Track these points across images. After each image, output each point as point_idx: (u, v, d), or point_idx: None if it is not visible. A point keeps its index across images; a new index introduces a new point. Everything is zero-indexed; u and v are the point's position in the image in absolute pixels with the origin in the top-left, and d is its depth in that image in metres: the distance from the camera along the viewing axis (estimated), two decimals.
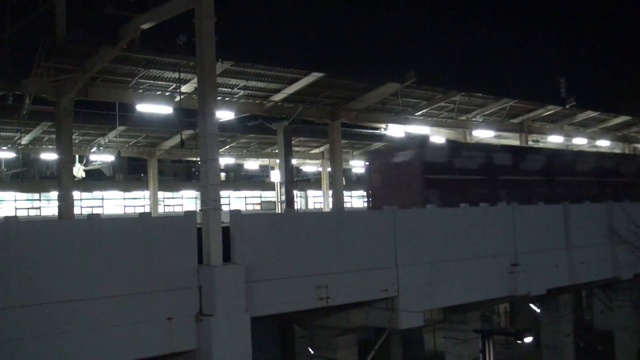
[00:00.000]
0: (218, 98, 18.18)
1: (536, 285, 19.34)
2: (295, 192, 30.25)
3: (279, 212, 35.68)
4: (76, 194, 33.92)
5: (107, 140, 33.59)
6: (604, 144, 42.40)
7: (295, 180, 32.25)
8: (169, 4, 14.49)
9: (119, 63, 20.41)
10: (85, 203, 41.85)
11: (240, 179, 59.18)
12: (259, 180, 55.48)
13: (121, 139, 33.55)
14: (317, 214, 15.94)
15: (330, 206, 37.90)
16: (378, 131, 34.04)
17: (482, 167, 21.37)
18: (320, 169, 45.10)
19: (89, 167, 35.46)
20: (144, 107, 23.96)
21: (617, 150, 42.96)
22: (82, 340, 10.71)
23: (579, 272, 21.20)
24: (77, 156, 33.74)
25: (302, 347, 20.93)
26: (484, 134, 35.01)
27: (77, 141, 32.25)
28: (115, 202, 44.06)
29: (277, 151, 31.01)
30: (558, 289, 20.96)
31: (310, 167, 50.16)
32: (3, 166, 38.95)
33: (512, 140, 37.49)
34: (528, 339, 19.92)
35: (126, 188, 45.56)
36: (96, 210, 40.60)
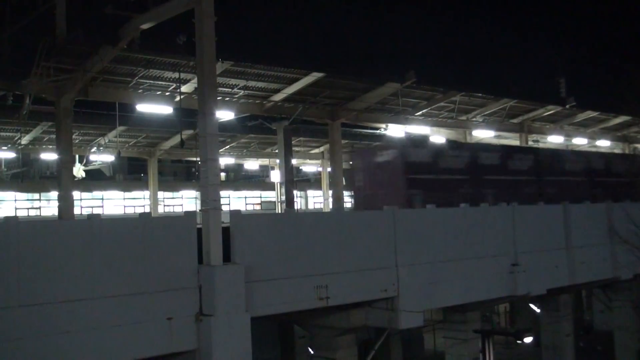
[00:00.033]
0: (218, 98, 18.17)
1: (536, 285, 19.35)
2: (295, 192, 30.26)
3: (279, 212, 35.68)
4: (76, 194, 33.93)
5: (107, 140, 33.59)
6: (604, 144, 42.40)
7: (295, 180, 32.25)
8: (169, 4, 14.49)
9: (119, 63, 20.41)
10: (85, 203, 41.86)
11: (240, 179, 59.19)
12: (259, 180, 55.49)
13: (121, 139, 33.54)
14: (317, 214, 15.96)
15: (330, 206, 37.90)
16: (378, 131, 34.04)
17: (467, 166, 21.03)
18: (320, 169, 45.11)
19: (89, 167, 35.46)
20: (144, 107, 23.95)
21: (617, 150, 42.95)
22: (82, 340, 10.71)
23: (578, 272, 21.20)
24: (77, 156, 33.73)
25: (302, 347, 20.95)
26: (484, 134, 35.02)
27: (77, 141, 32.25)
28: (115, 202, 44.07)
29: (277, 151, 31.01)
30: (558, 289, 20.97)
31: (310, 167, 50.16)
32: (3, 166, 38.93)
33: (512, 140, 37.50)
34: (528, 339, 19.93)
35: (126, 188, 45.57)
36: (96, 211, 40.60)
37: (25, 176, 40.73)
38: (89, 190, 42.32)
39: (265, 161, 46.39)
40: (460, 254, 17.43)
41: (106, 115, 29.69)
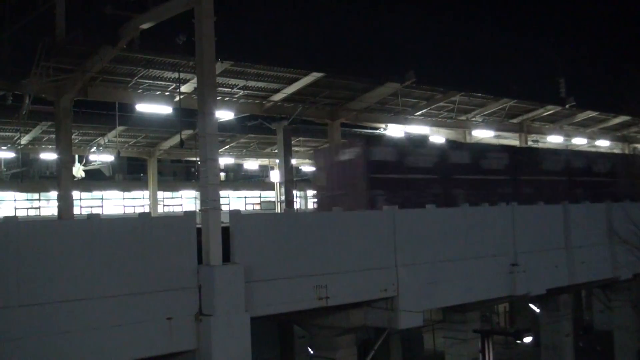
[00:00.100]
0: (218, 98, 18.16)
1: (536, 285, 19.35)
2: (295, 192, 30.24)
3: (279, 212, 35.68)
4: (76, 194, 33.93)
5: (106, 140, 33.60)
6: (603, 144, 42.44)
7: (295, 180, 32.24)
8: (169, 4, 14.49)
9: (119, 63, 20.41)
10: (85, 203, 41.89)
11: (239, 179, 59.23)
12: (258, 180, 55.51)
13: (121, 139, 33.55)
14: (317, 214, 15.92)
15: None
16: (378, 131, 34.06)
17: (436, 165, 20.00)
18: None
19: (89, 167, 35.45)
20: (144, 107, 23.96)
21: (617, 150, 42.98)
22: (82, 340, 10.71)
23: (578, 272, 21.20)
24: (76, 156, 33.73)
25: (301, 347, 20.95)
26: (483, 134, 35.04)
27: (76, 141, 32.25)
28: (114, 202, 44.10)
29: (276, 151, 31.01)
30: (557, 289, 20.96)
31: (310, 167, 50.18)
32: (3, 166, 38.93)
33: (511, 140, 37.53)
34: (527, 339, 19.94)
35: (126, 188, 45.61)
36: (96, 210, 40.63)
37: (24, 176, 40.76)
38: (89, 190, 42.35)
39: (265, 161, 46.40)
40: (460, 254, 17.43)
41: (106, 115, 29.71)
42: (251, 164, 49.88)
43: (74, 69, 19.33)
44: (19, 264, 10.29)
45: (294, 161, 34.82)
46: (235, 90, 24.46)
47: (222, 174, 52.68)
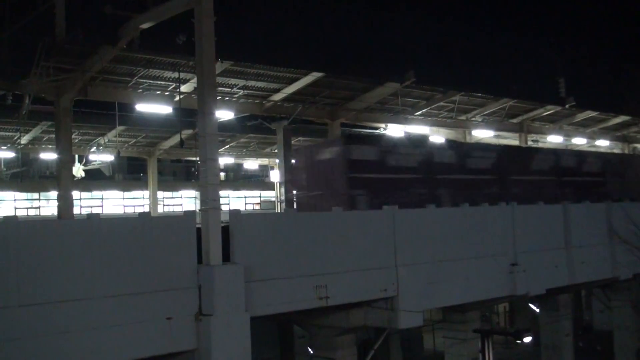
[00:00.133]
0: (217, 98, 18.15)
1: (535, 285, 19.35)
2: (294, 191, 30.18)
3: (279, 211, 35.68)
4: (76, 194, 33.94)
5: (106, 140, 33.61)
6: (603, 144, 42.46)
7: None
8: (169, 4, 14.48)
9: (119, 63, 20.41)
10: (85, 203, 41.91)
11: (239, 179, 59.23)
12: (258, 180, 55.51)
13: (121, 138, 33.56)
14: (317, 214, 15.88)
15: None
16: (377, 131, 34.07)
17: (420, 165, 19.48)
18: None
19: (89, 167, 35.47)
20: (144, 107, 23.96)
21: (616, 150, 43.01)
22: (82, 340, 10.71)
23: (578, 271, 21.21)
24: (76, 156, 33.75)
25: (301, 347, 20.92)
26: (483, 134, 35.05)
27: (76, 141, 32.26)
28: (114, 202, 44.11)
29: (276, 151, 31.02)
30: (557, 289, 20.96)
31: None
32: (3, 166, 38.94)
33: (511, 140, 37.55)
34: (527, 339, 19.90)
35: (126, 188, 45.64)
36: (96, 210, 40.64)
37: (24, 176, 40.80)
38: (89, 190, 42.37)
39: (264, 161, 46.41)
40: (460, 254, 17.43)
41: (106, 115, 29.71)
42: (251, 164, 49.88)
43: (74, 68, 19.34)
44: (18, 264, 10.29)
45: (294, 161, 34.76)
46: (235, 90, 24.46)
47: (222, 174, 52.69)
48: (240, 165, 54.52)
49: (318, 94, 26.04)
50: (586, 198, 22.84)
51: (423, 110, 30.55)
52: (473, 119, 33.61)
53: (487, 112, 33.18)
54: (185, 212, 13.01)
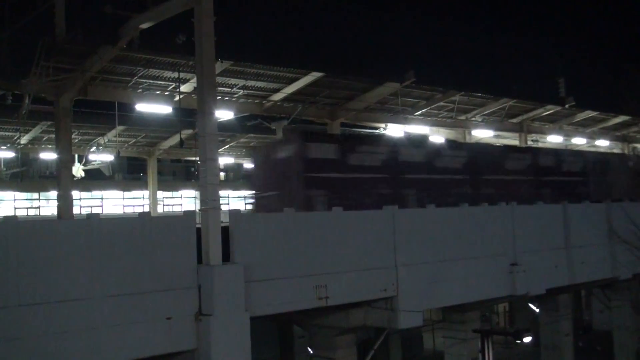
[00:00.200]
0: (217, 97, 18.21)
1: (535, 285, 19.35)
2: None
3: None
4: (75, 194, 33.93)
5: (106, 140, 33.60)
6: (603, 143, 42.47)
7: None
8: (169, 4, 14.49)
9: (118, 63, 20.40)
10: (85, 203, 41.89)
11: (239, 179, 59.19)
12: None
13: (120, 138, 33.55)
14: (317, 214, 15.81)
15: None
16: (377, 131, 34.08)
17: (385, 164, 18.58)
18: None
19: (88, 167, 35.46)
20: (143, 107, 23.95)
21: (616, 150, 43.02)
22: (81, 340, 10.70)
23: (578, 271, 21.21)
24: (76, 156, 33.74)
25: (301, 347, 20.95)
26: (483, 134, 35.06)
27: (76, 141, 32.26)
28: (114, 202, 44.09)
29: None
30: (557, 289, 20.96)
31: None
32: (2, 166, 38.94)
33: (511, 140, 37.55)
34: (527, 339, 19.92)
35: (125, 188, 45.61)
36: (95, 210, 40.63)
37: (24, 176, 40.75)
38: (89, 189, 42.35)
39: None
40: (460, 254, 17.43)
41: (105, 115, 29.71)
42: (251, 164, 49.80)
43: (73, 68, 19.33)
44: (18, 264, 10.29)
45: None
46: (235, 89, 24.46)
47: (222, 174, 52.68)
48: (240, 165, 54.47)
49: (318, 94, 26.04)
50: (565, 198, 22.37)
51: (423, 110, 30.54)
52: (473, 119, 33.61)
53: (487, 112, 33.18)
54: (185, 212, 13.01)
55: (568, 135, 39.27)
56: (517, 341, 21.69)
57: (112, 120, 28.16)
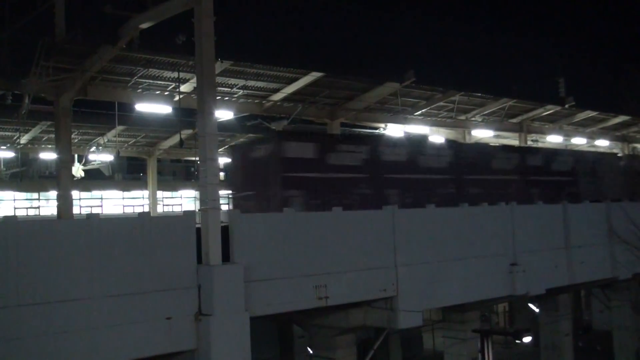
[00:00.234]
0: (217, 97, 18.20)
1: (535, 285, 19.36)
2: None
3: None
4: (75, 194, 33.91)
5: (106, 140, 33.58)
6: (603, 143, 42.48)
7: None
8: (168, 4, 14.48)
9: (118, 62, 20.39)
10: (85, 203, 41.87)
11: None
12: None
13: (120, 138, 33.53)
14: (317, 214, 15.76)
15: None
16: (377, 131, 34.07)
17: (365, 163, 18.10)
18: None
19: (88, 167, 35.44)
20: (143, 107, 23.94)
21: (616, 150, 43.02)
22: (81, 339, 10.71)
23: (578, 271, 21.22)
24: (76, 156, 33.73)
25: (301, 347, 20.96)
26: (483, 134, 35.06)
27: (76, 141, 32.24)
28: (114, 202, 44.07)
29: None
30: (557, 289, 20.97)
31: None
32: (2, 166, 38.92)
33: (511, 140, 37.57)
34: (527, 339, 19.95)
35: (125, 188, 45.57)
36: (95, 210, 40.62)
37: (24, 176, 40.71)
38: (88, 189, 42.32)
39: None
40: (460, 254, 17.44)
41: (105, 115, 29.68)
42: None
43: (73, 68, 19.32)
44: (18, 264, 10.29)
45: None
46: (234, 89, 24.45)
47: (222, 174, 52.61)
48: None
49: (318, 94, 26.03)
50: (554, 199, 22.16)
51: (423, 110, 30.53)
52: (473, 119, 33.61)
53: (486, 112, 33.18)
54: (184, 212, 13.01)
55: (568, 135, 39.27)
56: (517, 341, 21.72)
57: (112, 120, 28.14)
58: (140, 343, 11.35)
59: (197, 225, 12.51)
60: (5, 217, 10.95)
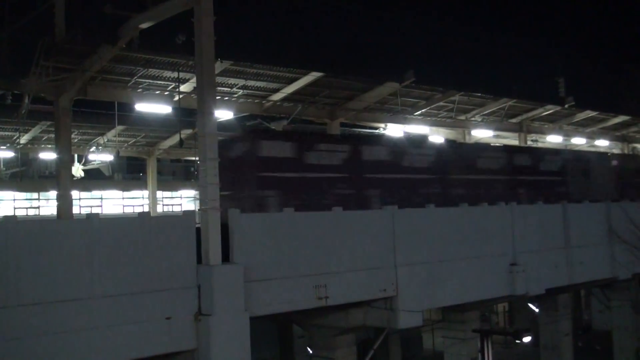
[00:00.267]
0: (217, 97, 18.20)
1: (535, 285, 19.38)
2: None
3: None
4: (75, 194, 33.93)
5: (106, 140, 33.58)
6: (603, 143, 42.48)
7: None
8: (168, 3, 14.48)
9: (118, 62, 20.39)
10: (84, 202, 41.88)
11: None
12: None
13: (120, 138, 33.52)
14: (316, 214, 15.66)
15: None
16: (377, 131, 34.07)
17: (346, 163, 17.65)
18: None
19: (88, 167, 35.45)
20: (143, 107, 23.92)
21: (616, 150, 43.03)
22: (81, 339, 10.72)
23: (577, 271, 21.24)
24: (76, 155, 33.73)
25: (301, 347, 20.99)
26: (483, 134, 35.06)
27: (76, 140, 32.23)
28: (114, 202, 44.08)
29: None
30: (557, 289, 20.97)
31: None
32: (2, 166, 38.92)
33: (511, 140, 37.57)
34: (527, 339, 19.95)
35: (125, 187, 45.58)
36: (95, 210, 40.62)
37: (24, 175, 40.72)
38: (88, 189, 42.33)
39: None
40: (459, 254, 17.45)
41: (105, 115, 29.67)
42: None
43: (73, 68, 19.32)
44: (18, 264, 10.30)
45: None
46: (234, 89, 24.44)
47: None
48: None
49: (317, 94, 26.03)
50: (542, 199, 21.92)
51: (422, 110, 30.53)
52: (472, 118, 33.61)
53: (486, 112, 33.17)
54: (184, 212, 13.02)
55: (568, 135, 39.27)
56: (517, 341, 21.73)
57: (112, 120, 28.13)
58: (140, 343, 11.35)
59: (197, 225, 12.51)
60: (5, 217, 10.96)
